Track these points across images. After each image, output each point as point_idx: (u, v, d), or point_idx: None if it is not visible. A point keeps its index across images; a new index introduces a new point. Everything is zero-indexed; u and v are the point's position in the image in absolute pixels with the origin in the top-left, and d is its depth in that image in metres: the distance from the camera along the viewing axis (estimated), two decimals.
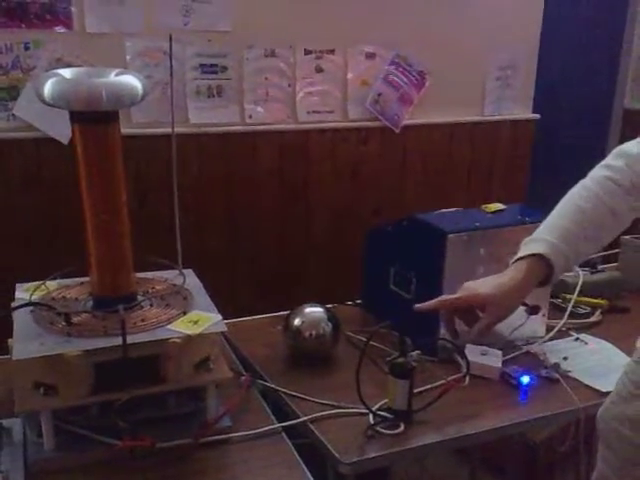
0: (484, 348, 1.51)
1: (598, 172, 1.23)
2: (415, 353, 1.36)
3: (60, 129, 2.18)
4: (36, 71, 2.19)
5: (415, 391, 1.34)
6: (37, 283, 1.33)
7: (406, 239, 1.61)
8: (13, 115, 2.22)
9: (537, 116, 3.11)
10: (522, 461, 2.17)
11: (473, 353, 1.48)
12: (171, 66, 1.35)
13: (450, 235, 1.47)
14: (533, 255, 1.18)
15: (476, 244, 1.51)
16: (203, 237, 2.55)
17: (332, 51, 2.62)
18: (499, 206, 1.65)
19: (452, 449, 1.89)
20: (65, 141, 2.19)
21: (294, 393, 1.40)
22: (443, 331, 1.50)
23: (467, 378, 1.43)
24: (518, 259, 1.20)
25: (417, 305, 1.27)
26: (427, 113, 2.84)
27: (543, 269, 1.18)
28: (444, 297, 1.26)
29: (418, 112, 2.82)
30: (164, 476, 1.16)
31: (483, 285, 1.22)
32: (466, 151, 2.99)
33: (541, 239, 1.19)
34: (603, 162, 1.24)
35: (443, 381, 1.40)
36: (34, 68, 2.20)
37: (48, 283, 1.34)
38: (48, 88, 1.10)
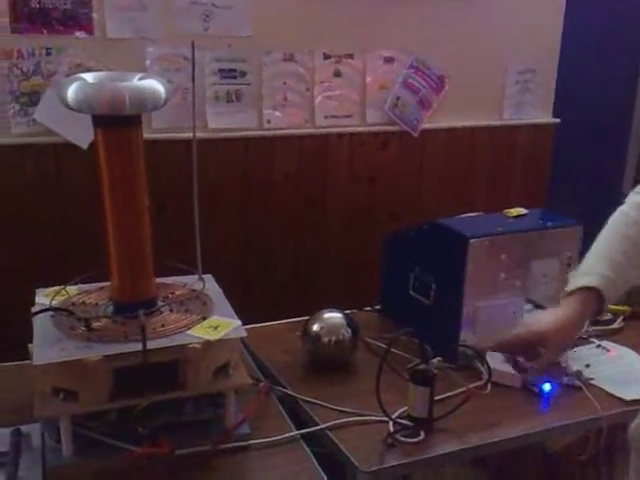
0: (505, 355, 1.49)
1: (634, 198, 1.27)
2: (436, 360, 1.35)
3: (80, 134, 2.19)
4: (57, 76, 2.20)
5: (435, 398, 1.32)
6: (57, 288, 1.33)
7: (427, 244, 1.60)
8: (34, 120, 2.23)
9: (557, 120, 3.08)
10: (541, 470, 2.14)
11: (495, 360, 1.46)
12: (193, 72, 1.34)
13: (472, 240, 1.46)
14: (585, 288, 1.22)
15: (498, 249, 1.49)
16: (219, 241, 2.55)
17: (351, 55, 2.61)
18: (521, 211, 1.63)
19: (473, 458, 1.87)
20: (85, 146, 2.20)
21: (312, 400, 1.39)
22: (463, 337, 1.49)
23: (489, 386, 1.41)
24: (570, 293, 1.24)
25: (483, 346, 1.39)
26: (446, 117, 2.82)
27: (596, 302, 1.22)
28: (502, 339, 1.33)
29: (437, 116, 2.80)
30: None
31: (540, 322, 1.28)
32: (485, 155, 2.96)
33: (592, 272, 1.23)
34: (638, 188, 1.28)
35: (464, 389, 1.38)
36: (55, 73, 2.21)
37: (68, 288, 1.34)
38: (71, 92, 1.10)
